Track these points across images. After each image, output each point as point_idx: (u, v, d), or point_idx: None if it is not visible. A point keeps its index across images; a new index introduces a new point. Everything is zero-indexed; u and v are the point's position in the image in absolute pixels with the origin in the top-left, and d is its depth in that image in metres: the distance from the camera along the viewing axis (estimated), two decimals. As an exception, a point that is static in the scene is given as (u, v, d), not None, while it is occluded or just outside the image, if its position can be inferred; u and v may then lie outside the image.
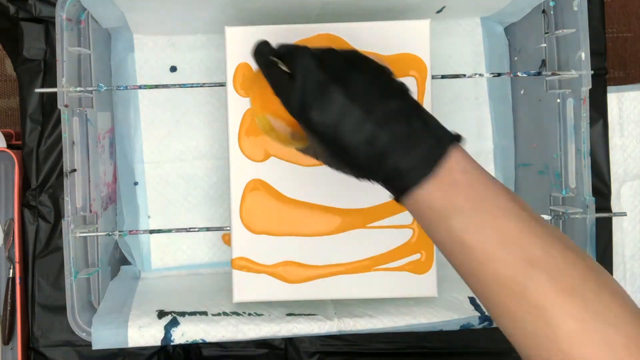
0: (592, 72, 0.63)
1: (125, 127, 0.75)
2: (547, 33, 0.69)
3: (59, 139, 0.72)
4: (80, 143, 0.64)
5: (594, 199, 0.63)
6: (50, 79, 0.72)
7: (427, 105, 0.62)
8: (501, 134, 0.78)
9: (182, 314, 0.63)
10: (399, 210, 0.62)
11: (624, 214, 0.69)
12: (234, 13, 0.67)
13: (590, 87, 0.63)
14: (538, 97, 0.71)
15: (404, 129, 0.42)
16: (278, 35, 0.61)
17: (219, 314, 0.63)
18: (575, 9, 0.63)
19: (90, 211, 0.66)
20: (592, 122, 0.73)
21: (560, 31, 0.66)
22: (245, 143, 0.61)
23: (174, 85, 0.66)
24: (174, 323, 0.62)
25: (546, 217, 0.66)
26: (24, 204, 0.72)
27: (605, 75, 0.76)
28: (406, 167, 0.41)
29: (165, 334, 0.61)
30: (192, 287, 0.73)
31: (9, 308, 0.71)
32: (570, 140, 0.65)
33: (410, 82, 0.61)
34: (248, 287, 0.62)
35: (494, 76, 0.69)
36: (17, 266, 0.71)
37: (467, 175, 0.41)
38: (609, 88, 0.77)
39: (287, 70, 0.46)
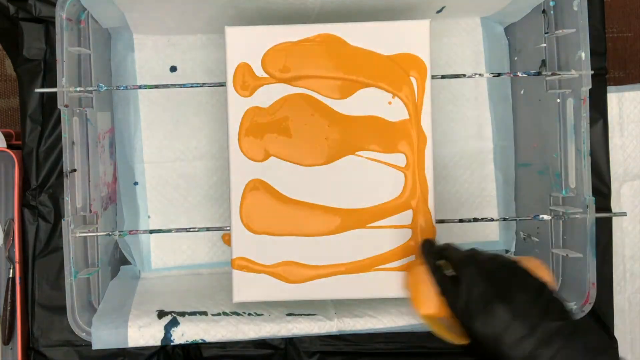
0: (592, 72, 0.63)
1: (125, 127, 0.75)
2: (547, 33, 0.69)
3: (59, 139, 0.72)
4: (80, 143, 0.64)
5: (594, 199, 0.63)
6: (50, 79, 0.72)
7: (427, 105, 0.62)
8: (501, 134, 0.78)
9: (182, 314, 0.63)
10: (399, 210, 0.62)
11: (624, 214, 0.69)
12: (234, 13, 0.67)
13: (590, 87, 0.63)
14: (538, 97, 0.71)
15: (566, 350, 0.44)
16: (278, 35, 0.61)
17: (219, 314, 0.63)
18: (575, 9, 0.63)
19: (90, 211, 0.66)
20: (592, 122, 0.73)
21: (560, 31, 0.66)
22: (245, 143, 0.61)
23: (174, 85, 0.66)
24: (173, 323, 0.62)
25: (546, 217, 0.66)
26: (24, 204, 0.72)
27: (605, 75, 0.76)
28: None
29: (165, 334, 0.61)
30: (192, 287, 0.73)
31: (9, 308, 0.71)
32: (570, 140, 0.65)
33: (410, 82, 0.62)
34: (248, 287, 0.62)
35: (494, 76, 0.69)
36: (17, 266, 0.71)
37: None
38: (609, 88, 0.77)
39: (453, 274, 0.50)
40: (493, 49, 0.78)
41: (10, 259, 0.72)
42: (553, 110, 0.68)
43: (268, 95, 0.61)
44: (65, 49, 0.61)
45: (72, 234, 0.61)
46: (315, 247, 0.62)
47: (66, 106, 0.61)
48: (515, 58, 0.77)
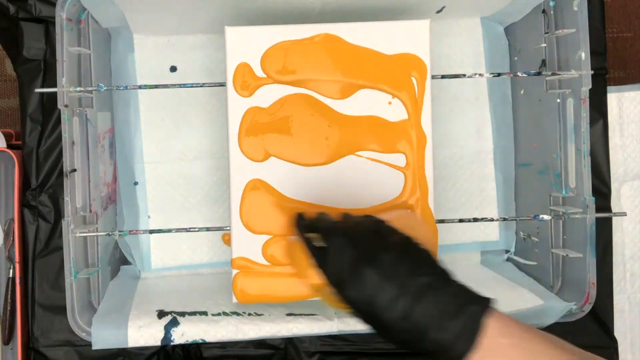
0: (592, 72, 0.63)
1: (125, 127, 0.75)
2: (547, 33, 0.69)
3: (59, 139, 0.72)
4: (80, 143, 0.64)
5: (594, 198, 0.63)
6: (50, 79, 0.72)
7: (427, 105, 0.62)
8: (501, 134, 0.78)
9: (182, 314, 0.63)
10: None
11: (624, 214, 0.69)
12: (234, 13, 0.67)
13: (590, 87, 0.63)
14: (538, 97, 0.71)
15: (439, 303, 0.43)
16: (278, 35, 0.61)
17: (219, 314, 0.63)
18: (575, 9, 0.63)
19: (90, 211, 0.66)
20: (592, 122, 0.73)
21: (560, 31, 0.66)
22: (245, 143, 0.61)
23: (174, 85, 0.66)
24: (174, 323, 0.62)
25: (546, 217, 0.66)
26: (24, 204, 0.72)
27: (605, 75, 0.76)
28: (449, 341, 0.42)
29: (165, 334, 0.61)
30: (192, 287, 0.73)
31: (9, 308, 0.71)
32: (570, 140, 0.65)
33: (410, 83, 0.62)
34: (248, 287, 0.62)
35: (494, 76, 0.69)
36: (17, 266, 0.71)
37: (510, 338, 0.42)
38: (609, 88, 0.77)
39: (323, 245, 0.49)
40: (493, 49, 0.78)
41: (10, 259, 0.72)
42: (553, 110, 0.68)
43: (268, 95, 0.61)
44: (65, 49, 0.61)
45: (72, 234, 0.61)
46: (315, 247, 0.62)
47: (66, 106, 0.61)
48: (515, 58, 0.77)
